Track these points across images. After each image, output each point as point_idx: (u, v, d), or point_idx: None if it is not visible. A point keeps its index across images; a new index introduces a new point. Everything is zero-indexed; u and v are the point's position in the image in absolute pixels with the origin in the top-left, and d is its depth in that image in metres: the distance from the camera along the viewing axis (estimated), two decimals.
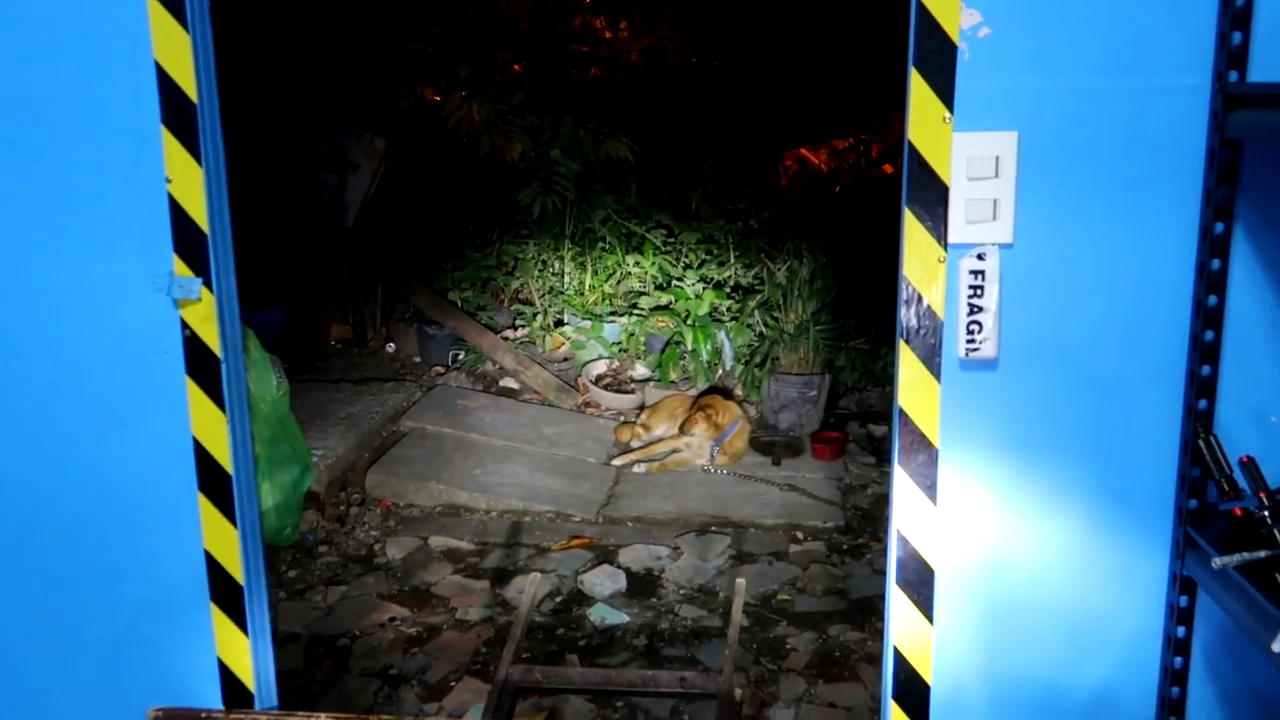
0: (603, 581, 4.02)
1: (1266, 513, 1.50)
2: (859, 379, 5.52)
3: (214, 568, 1.98)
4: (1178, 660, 1.74)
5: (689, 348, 5.64)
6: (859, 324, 5.48)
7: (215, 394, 1.93)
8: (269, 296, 5.60)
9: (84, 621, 2.02)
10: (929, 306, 1.75)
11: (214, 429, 1.94)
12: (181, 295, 1.89)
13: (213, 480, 1.95)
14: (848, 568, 4.11)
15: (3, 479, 1.99)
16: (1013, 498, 1.79)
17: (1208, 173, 1.64)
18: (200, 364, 1.92)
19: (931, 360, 1.76)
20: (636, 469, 4.91)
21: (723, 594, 3.91)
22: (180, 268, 1.89)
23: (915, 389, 1.77)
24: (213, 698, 2.03)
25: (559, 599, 3.92)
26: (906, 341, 1.77)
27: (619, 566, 4.14)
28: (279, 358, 3.64)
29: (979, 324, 1.73)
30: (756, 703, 3.30)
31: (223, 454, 1.94)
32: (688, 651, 3.57)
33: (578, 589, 3.99)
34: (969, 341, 1.74)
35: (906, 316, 1.76)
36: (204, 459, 1.94)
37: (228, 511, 1.96)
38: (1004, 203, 1.71)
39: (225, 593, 1.99)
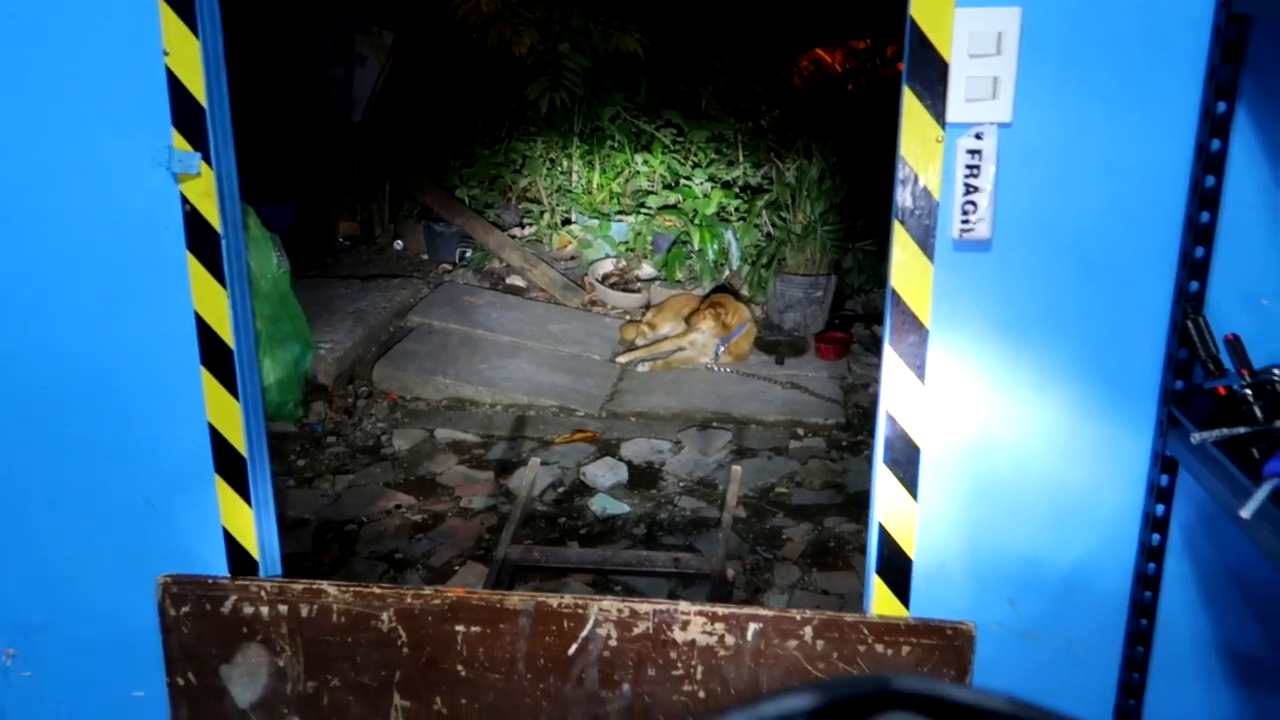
0: (604, 473, 4.10)
1: (1248, 390, 1.52)
2: (865, 281, 5.52)
3: (218, 440, 2.03)
4: (1155, 537, 1.78)
5: (695, 247, 5.63)
6: (867, 225, 5.45)
7: (216, 269, 1.95)
8: (277, 192, 5.59)
9: (98, 491, 2.07)
10: (925, 187, 1.75)
11: (215, 304, 1.96)
12: (181, 170, 1.89)
13: (215, 354, 1.98)
14: (846, 463, 4.17)
15: (20, 354, 2.03)
16: (1001, 379, 1.81)
17: (1212, 49, 1.62)
18: (201, 239, 1.93)
19: (925, 241, 1.76)
20: (641, 367, 4.95)
21: (722, 487, 3.98)
22: (179, 142, 1.89)
23: (908, 270, 1.78)
24: (219, 565, 2.09)
25: (561, 490, 4.00)
26: (901, 222, 1.77)
27: (620, 459, 4.21)
28: (286, 251, 3.67)
29: (974, 204, 1.73)
30: (751, 588, 3.39)
31: (224, 328, 1.97)
32: (686, 540, 3.66)
33: (580, 480, 4.06)
34: (964, 222, 1.74)
35: (902, 196, 1.76)
36: (206, 333, 1.97)
37: (230, 385, 2.00)
38: (1004, 81, 1.69)
39: (229, 465, 2.04)
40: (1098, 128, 1.69)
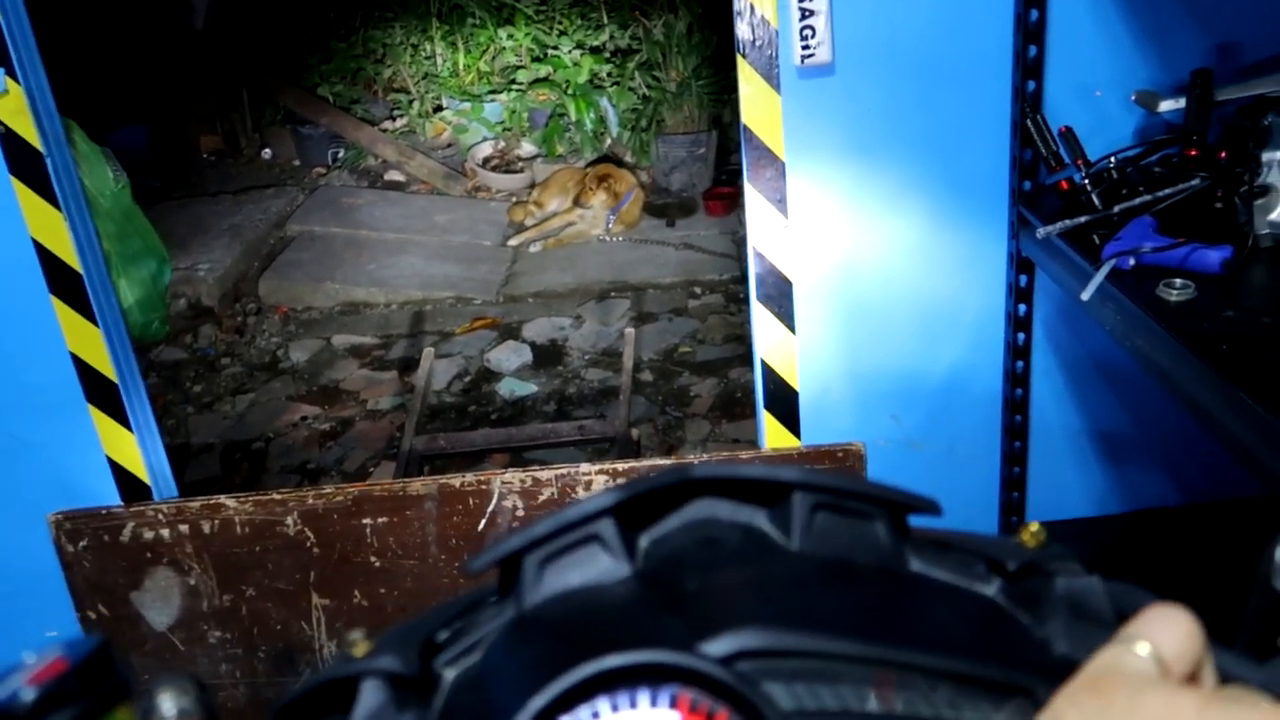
0: (508, 357, 4.09)
1: (1086, 180, 1.56)
2: None
3: (83, 369, 1.96)
4: (1020, 336, 1.85)
5: (573, 119, 5.52)
6: None
7: (46, 192, 1.85)
8: (127, 114, 5.30)
9: None
10: (762, 16, 1.73)
11: (53, 228, 1.87)
12: None
13: (63, 281, 1.90)
14: (745, 315, 4.22)
15: None
16: (860, 202, 1.83)
17: None
18: (23, 161, 1.83)
19: (769, 72, 1.75)
20: (533, 247, 4.90)
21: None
22: None
23: (757, 103, 1.77)
24: (110, 495, 2.05)
25: (467, 379, 3.99)
26: (743, 55, 1.75)
27: (523, 341, 4.20)
28: (148, 173, 3.50)
29: (811, 29, 1.71)
30: (665, 447, 3.45)
31: (67, 253, 1.89)
32: (595, 411, 3.69)
33: (485, 367, 4.05)
34: (804, 48, 1.72)
35: (741, 29, 1.74)
36: (49, 260, 1.89)
37: (85, 311, 1.93)
38: None
39: (100, 392, 1.98)
40: None
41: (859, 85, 1.75)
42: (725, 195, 5.06)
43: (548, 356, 4.09)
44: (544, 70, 5.58)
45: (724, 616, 0.47)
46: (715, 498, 0.57)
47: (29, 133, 1.81)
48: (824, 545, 0.52)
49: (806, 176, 1.81)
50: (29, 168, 1.82)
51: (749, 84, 1.76)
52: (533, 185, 5.31)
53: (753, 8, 1.72)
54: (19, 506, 2.04)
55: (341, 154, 5.61)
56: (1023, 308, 1.82)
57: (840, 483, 0.55)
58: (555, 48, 5.57)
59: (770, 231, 1.85)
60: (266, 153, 5.79)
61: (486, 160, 5.53)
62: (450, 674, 0.50)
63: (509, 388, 3.91)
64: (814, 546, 0.52)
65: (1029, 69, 1.68)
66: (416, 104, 5.73)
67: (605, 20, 5.53)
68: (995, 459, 1.93)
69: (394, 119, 5.79)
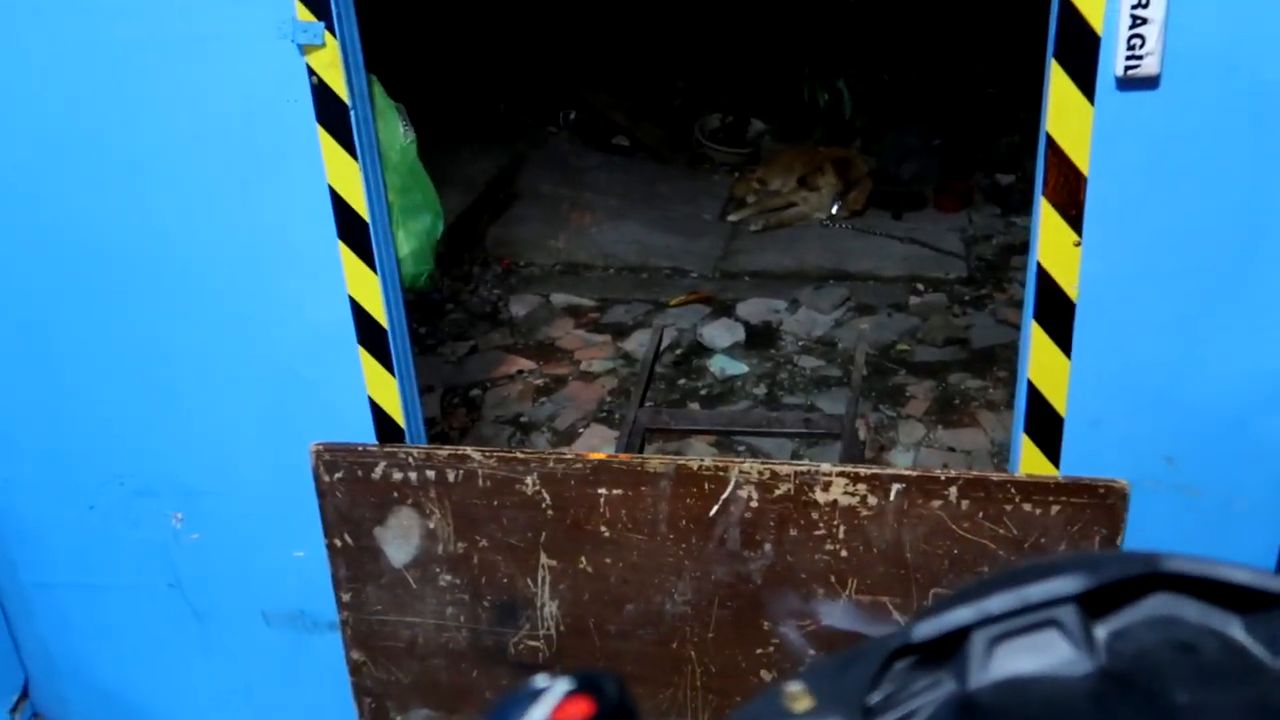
0: (721, 334, 4.08)
1: None
2: (986, 127, 5.26)
3: (359, 312, 2.06)
4: None
5: (805, 98, 5.43)
6: (986, 70, 5.16)
7: (347, 142, 1.94)
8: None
9: (246, 363, 2.14)
10: (1086, 19, 1.62)
11: (349, 177, 1.96)
12: (305, 41, 1.87)
13: (351, 228, 2.00)
14: (970, 318, 4.07)
15: (162, 230, 2.07)
16: (1165, 228, 1.70)
17: None
18: (330, 112, 1.92)
19: (1086, 79, 1.64)
20: (753, 225, 4.86)
21: (841, 345, 3.94)
22: (302, 13, 1.86)
23: (1066, 112, 1.67)
24: (367, 433, 2.16)
25: (679, 351, 4.02)
26: (1058, 58, 1.65)
27: (737, 319, 4.19)
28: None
29: (1141, 38, 1.60)
30: (876, 447, 3.38)
31: (359, 202, 1.98)
32: (807, 399, 3.65)
33: (697, 341, 4.07)
34: (1130, 58, 1.61)
35: (1060, 31, 1.64)
36: (341, 207, 1.98)
37: (367, 258, 2.02)
38: None
39: (371, 336, 2.08)
40: None
41: (1184, 103, 1.62)
42: (957, 190, 4.88)
43: (760, 338, 4.07)
44: None
45: None
46: (1180, 593, 0.52)
47: (339, 86, 1.89)
48: None
49: (1108, 195, 1.70)
50: (334, 119, 1.92)
51: (1060, 91, 1.66)
52: (757, 161, 5.26)
53: (1076, 10, 1.62)
54: (286, 433, 2.17)
55: (573, 115, 5.70)
56: None
57: None
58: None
59: (1059, 247, 1.76)
60: (502, 106, 5.95)
61: (714, 132, 5.51)
62: None
63: (720, 365, 3.91)
64: None
65: None
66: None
67: None
68: (1277, 520, 1.78)
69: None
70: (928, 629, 0.50)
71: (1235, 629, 0.51)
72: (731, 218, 4.92)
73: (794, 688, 0.50)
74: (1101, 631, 0.52)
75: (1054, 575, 0.51)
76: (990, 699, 0.50)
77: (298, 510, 2.21)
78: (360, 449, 2.14)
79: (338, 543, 2.19)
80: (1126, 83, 1.63)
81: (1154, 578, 0.52)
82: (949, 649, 0.51)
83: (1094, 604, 0.52)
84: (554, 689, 0.45)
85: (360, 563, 2.20)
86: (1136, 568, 0.52)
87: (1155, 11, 1.58)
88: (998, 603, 0.50)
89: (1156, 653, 0.51)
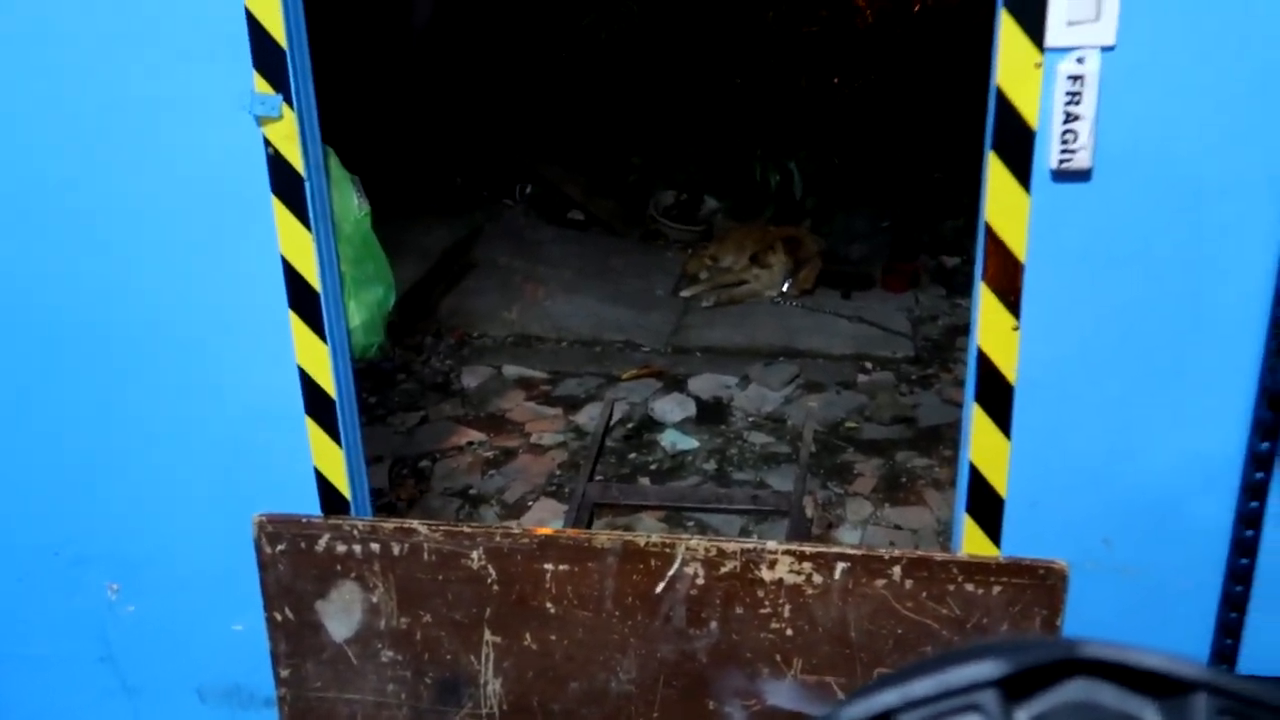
0: (672, 408, 4.10)
1: None
2: (931, 210, 5.41)
3: (307, 382, 2.05)
4: (1259, 475, 1.74)
5: (757, 178, 5.55)
6: (930, 155, 5.33)
7: (300, 213, 1.95)
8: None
9: (190, 431, 2.12)
10: (1021, 115, 1.69)
11: (301, 247, 1.97)
12: (263, 113, 1.89)
13: (302, 298, 2.00)
14: (916, 397, 4.13)
15: (112, 295, 2.05)
16: (1099, 315, 1.76)
17: None
18: (285, 183, 1.93)
19: (1022, 171, 1.71)
20: (705, 301, 4.92)
21: (790, 421, 3.97)
22: (260, 85, 1.88)
23: (1003, 202, 1.73)
24: (312, 504, 2.14)
25: (630, 425, 4.02)
26: (996, 151, 1.71)
27: (688, 394, 4.21)
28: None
29: (1074, 133, 1.67)
30: (823, 524, 3.39)
31: (310, 272, 1.98)
32: (756, 475, 3.66)
33: (648, 416, 4.08)
34: (1064, 152, 1.68)
35: (997, 125, 1.71)
36: (293, 277, 1.99)
37: (317, 328, 2.02)
38: (1108, 1, 1.62)
39: (319, 406, 2.07)
40: (1208, 46, 1.61)
41: (1117, 195, 1.69)
42: (904, 271, 4.99)
43: (711, 413, 4.09)
44: None
45: None
46: (1096, 678, 0.54)
47: (294, 157, 1.91)
48: None
49: (1044, 282, 1.76)
50: (289, 189, 1.93)
51: (997, 181, 1.73)
52: (711, 238, 5.35)
53: (1012, 105, 1.69)
54: (229, 503, 2.14)
55: (529, 189, 5.77)
56: (1266, 445, 1.72)
57: (1258, 692, 0.51)
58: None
59: (998, 332, 1.80)
60: (458, 179, 6.01)
61: (668, 209, 5.60)
62: None
63: (671, 440, 3.92)
64: None
65: None
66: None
67: (803, 84, 5.56)
68: (1213, 601, 1.82)
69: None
70: (854, 712, 0.51)
71: (1150, 714, 0.53)
72: (684, 293, 4.98)
73: None
74: (1022, 716, 0.54)
75: (976, 659, 0.52)
76: None
77: (238, 582, 2.17)
78: (304, 520, 2.11)
79: (278, 616, 2.15)
80: (1061, 175, 1.70)
81: (1072, 663, 0.54)
82: None
83: (1015, 688, 0.53)
84: None
85: (300, 637, 2.15)
86: (1055, 653, 0.54)
87: (1087, 109, 1.65)
88: (921, 687, 0.52)
89: None
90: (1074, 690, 0.53)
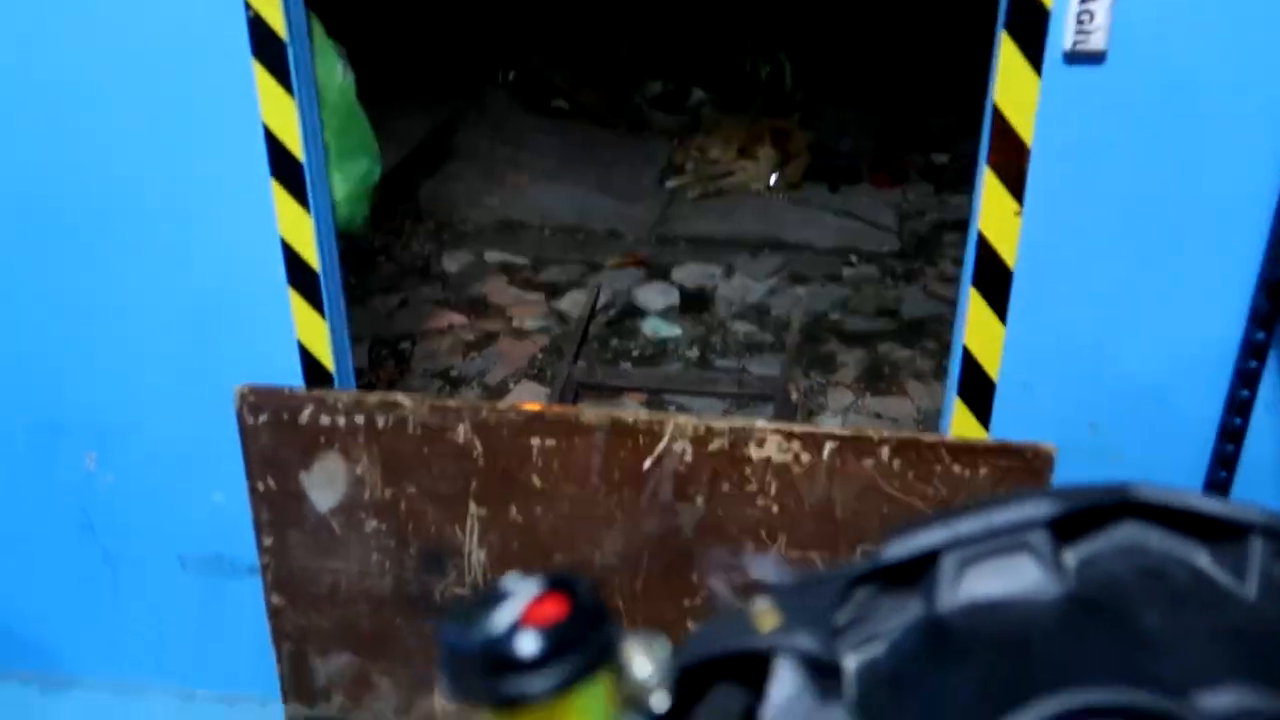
0: (655, 297, 4.08)
1: None
2: (921, 105, 5.32)
3: (290, 254, 2.01)
4: (1252, 363, 1.74)
5: (746, 69, 5.42)
6: (925, 50, 5.21)
7: (283, 78, 1.88)
8: None
9: (170, 299, 2.07)
10: None
11: (284, 114, 1.90)
12: None
13: (285, 166, 1.94)
14: (900, 290, 4.12)
15: (94, 162, 1.99)
16: (1103, 200, 1.74)
17: None
18: (266, 47, 1.85)
19: (1033, 53, 1.66)
20: (690, 192, 4.85)
21: (774, 312, 3.96)
22: None
23: (1013, 84, 1.69)
24: (294, 377, 2.11)
25: (613, 312, 4.00)
26: (1008, 31, 1.66)
27: (672, 283, 4.18)
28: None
29: (1090, 13, 1.62)
30: (805, 411, 3.41)
31: (293, 140, 1.92)
32: (739, 363, 3.66)
33: (631, 303, 4.05)
34: (1079, 32, 1.63)
35: (1011, 3, 1.65)
36: (274, 144, 1.92)
37: (301, 198, 1.96)
38: None
39: (302, 278, 2.03)
40: None
41: (1128, 80, 1.65)
42: (893, 167, 4.93)
43: (695, 302, 4.07)
44: None
45: (1214, 668, 0.43)
46: (1147, 522, 0.53)
47: (276, 20, 1.83)
48: None
49: (1050, 166, 1.72)
50: (271, 54, 1.85)
51: (1008, 63, 1.68)
52: (698, 129, 5.24)
53: None
54: (209, 374, 2.11)
55: (512, 75, 5.61)
56: (1261, 334, 1.72)
57: None
58: None
59: (1000, 216, 1.78)
60: (439, 65, 5.82)
61: (655, 98, 5.48)
62: (851, 662, 0.48)
63: (653, 327, 3.91)
64: (1275, 600, 0.48)
65: None
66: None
67: None
68: (1197, 486, 1.84)
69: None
70: (899, 549, 0.50)
71: (1201, 558, 0.52)
72: (670, 184, 4.90)
73: (761, 606, 0.49)
74: (1071, 557, 0.53)
75: (1026, 501, 0.51)
76: (959, 621, 0.50)
77: (218, 453, 2.16)
78: (287, 392, 2.09)
79: (260, 486, 2.14)
80: (1074, 57, 1.66)
81: (1124, 506, 0.53)
82: (916, 573, 0.50)
83: (1064, 530, 0.52)
84: (525, 589, 0.44)
85: (283, 507, 2.15)
86: (1107, 496, 0.53)
87: None
88: (969, 525, 0.50)
89: (1125, 579, 0.51)
90: (1124, 534, 0.52)
